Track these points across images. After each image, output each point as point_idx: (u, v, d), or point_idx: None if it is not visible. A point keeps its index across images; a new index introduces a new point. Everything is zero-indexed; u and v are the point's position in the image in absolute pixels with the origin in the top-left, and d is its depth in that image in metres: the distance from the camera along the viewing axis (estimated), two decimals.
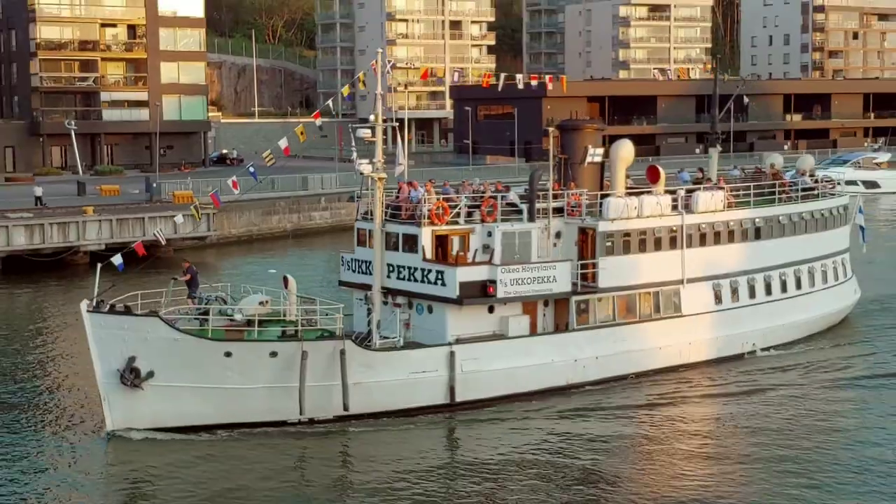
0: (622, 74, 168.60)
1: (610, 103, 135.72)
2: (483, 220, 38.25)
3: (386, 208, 38.43)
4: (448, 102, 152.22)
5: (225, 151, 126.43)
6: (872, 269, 63.10)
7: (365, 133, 37.21)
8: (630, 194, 42.11)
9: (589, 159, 42.00)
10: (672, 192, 43.12)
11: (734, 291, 44.05)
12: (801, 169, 50.77)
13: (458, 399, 36.63)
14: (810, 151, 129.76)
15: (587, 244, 40.05)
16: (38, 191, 77.57)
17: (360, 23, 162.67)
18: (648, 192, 42.64)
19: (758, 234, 45.21)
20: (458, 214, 38.20)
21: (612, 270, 39.73)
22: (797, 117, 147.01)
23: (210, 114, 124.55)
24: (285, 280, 36.91)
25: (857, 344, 47.21)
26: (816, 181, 50.01)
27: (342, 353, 34.03)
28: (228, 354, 33.73)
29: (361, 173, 37.52)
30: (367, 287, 37.94)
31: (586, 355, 39.30)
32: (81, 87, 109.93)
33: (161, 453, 32.68)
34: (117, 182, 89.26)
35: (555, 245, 40.06)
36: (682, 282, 42.03)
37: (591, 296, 39.60)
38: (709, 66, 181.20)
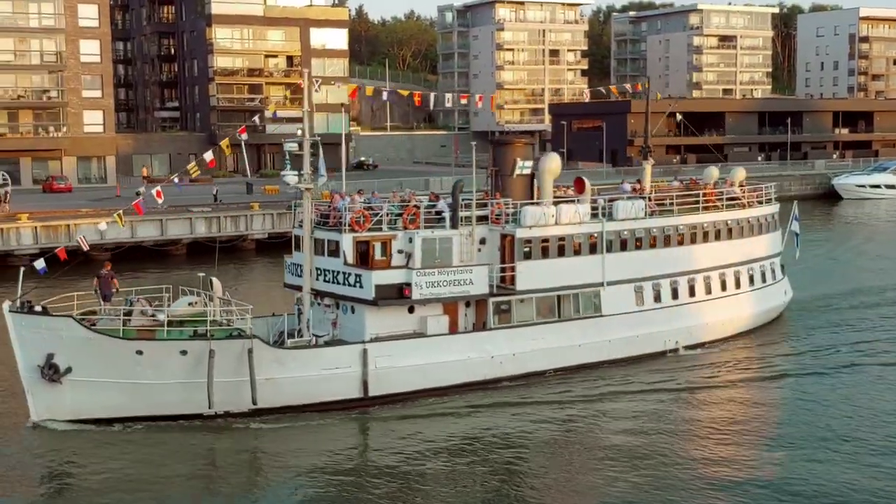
0: (695, 94, 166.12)
1: (685, 118, 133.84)
2: (405, 228, 34.99)
3: (322, 217, 35.67)
4: (547, 117, 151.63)
5: (363, 159, 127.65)
6: (820, 271, 58.97)
7: (292, 147, 33.77)
8: (557, 203, 38.50)
9: (518, 171, 38.62)
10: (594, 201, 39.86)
11: (657, 293, 39.98)
12: (729, 181, 46.88)
13: (372, 393, 33.42)
14: (855, 159, 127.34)
15: (508, 249, 36.94)
16: (215, 190, 79.38)
17: (475, 52, 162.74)
18: (570, 201, 39.05)
19: (681, 240, 41.09)
20: (380, 222, 34.88)
21: (529, 274, 36.45)
22: (844, 130, 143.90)
23: (351, 128, 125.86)
24: (210, 282, 34.07)
25: (781, 343, 42.78)
26: (744, 192, 45.79)
27: (250, 351, 31.12)
28: (140, 352, 31.00)
29: (288, 184, 34.29)
30: (301, 289, 35.52)
31: (503, 352, 35.74)
32: (249, 106, 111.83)
33: (81, 442, 30.17)
34: (277, 183, 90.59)
35: (479, 250, 36.48)
36: (602, 284, 38.23)
37: (510, 297, 36.22)
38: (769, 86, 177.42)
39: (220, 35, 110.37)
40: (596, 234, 38.42)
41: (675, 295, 40.56)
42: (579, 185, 40.66)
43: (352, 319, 34.74)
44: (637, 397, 34.99)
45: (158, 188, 34.97)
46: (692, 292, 41.23)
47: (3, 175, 76.64)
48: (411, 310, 34.72)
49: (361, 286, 33.77)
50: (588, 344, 37.69)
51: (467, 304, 35.92)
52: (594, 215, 38.88)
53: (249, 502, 26.41)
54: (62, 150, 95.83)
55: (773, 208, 47.26)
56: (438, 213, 36.28)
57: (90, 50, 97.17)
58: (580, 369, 37.30)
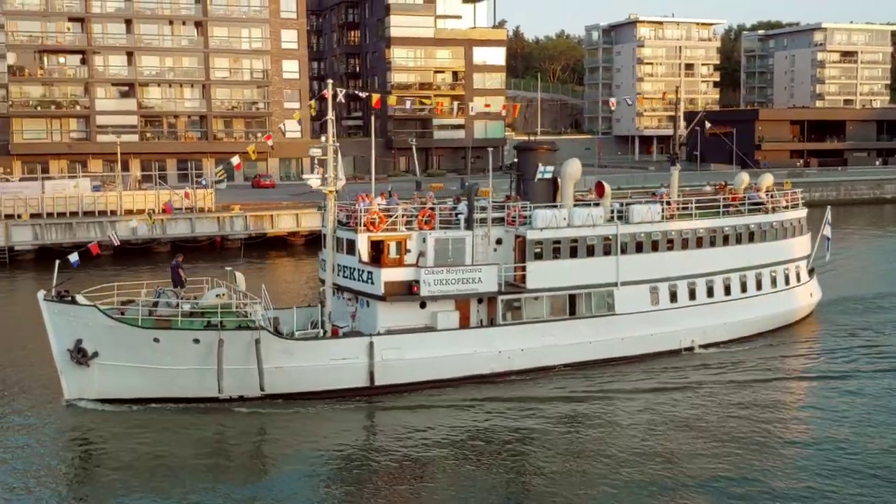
0: (818, 104, 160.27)
1: (808, 125, 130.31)
2: (420, 228, 33.08)
3: (348, 217, 34.03)
4: (682, 123, 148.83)
5: (516, 160, 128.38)
6: (862, 275, 53.78)
7: (316, 152, 32.36)
8: (577, 206, 36.07)
9: (539, 176, 36.17)
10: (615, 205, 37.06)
11: (673, 293, 36.84)
12: (757, 185, 43.14)
13: (378, 383, 31.58)
14: None
15: (519, 250, 34.59)
16: (389, 187, 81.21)
17: (617, 66, 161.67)
18: (587, 205, 36.65)
19: (699, 243, 37.85)
20: (395, 222, 32.99)
21: (540, 273, 34.03)
22: None
23: (506, 133, 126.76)
24: (234, 276, 32.66)
25: (799, 344, 38.91)
26: (772, 197, 42.10)
27: (257, 341, 29.84)
28: (157, 340, 29.98)
29: (311, 187, 32.96)
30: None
31: (511, 347, 33.39)
32: (420, 115, 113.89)
33: (108, 420, 29.34)
34: (442, 181, 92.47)
35: (495, 250, 34.35)
36: (616, 284, 35.48)
37: (519, 295, 33.76)
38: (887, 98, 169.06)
39: (397, 54, 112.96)
40: (611, 237, 35.72)
41: (692, 296, 37.59)
42: (599, 189, 38.04)
43: (367, 313, 33.16)
44: (647, 395, 32.05)
45: (186, 189, 33.32)
46: (710, 293, 38.19)
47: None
48: (423, 305, 32.82)
49: (373, 282, 32.25)
50: (600, 341, 35.17)
51: (480, 301, 33.80)
52: (610, 218, 36.46)
53: (254, 479, 25.36)
54: (267, 153, 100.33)
55: (801, 213, 43.58)
56: (458, 214, 34.41)
57: (291, 68, 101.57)
58: (592, 365, 34.75)
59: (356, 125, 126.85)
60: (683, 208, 38.94)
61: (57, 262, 31.25)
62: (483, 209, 34.28)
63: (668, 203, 38.71)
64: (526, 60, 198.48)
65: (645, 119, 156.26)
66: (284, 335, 32.02)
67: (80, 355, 30.11)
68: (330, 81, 35.25)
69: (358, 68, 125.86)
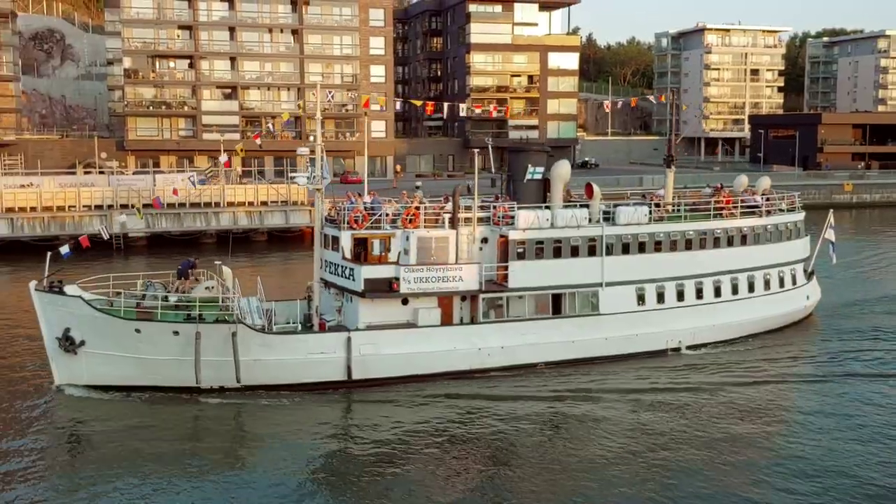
0: (880, 108, 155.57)
1: (870, 129, 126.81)
2: (405, 227, 32.17)
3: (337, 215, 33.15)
4: (746, 126, 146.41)
5: (587, 159, 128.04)
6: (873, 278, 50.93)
7: (304, 152, 31.28)
8: (566, 207, 34.47)
9: (528, 177, 34.75)
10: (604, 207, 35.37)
11: (660, 295, 35.02)
12: (753, 189, 40.99)
13: (355, 377, 30.79)
14: None
15: (501, 249, 33.32)
16: (469, 183, 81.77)
17: (686, 70, 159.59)
18: (575, 206, 35.03)
19: (688, 245, 35.86)
20: (378, 220, 32.10)
21: (522, 273, 32.70)
22: None
23: (578, 133, 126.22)
24: (220, 270, 32.14)
25: (789, 346, 36.74)
26: (769, 199, 39.86)
27: (234, 334, 29.23)
28: (138, 331, 29.52)
29: (298, 185, 31.88)
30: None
31: (491, 345, 32.16)
32: (496, 117, 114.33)
33: (95, 405, 29.22)
34: None
35: (481, 249, 33.11)
36: (601, 284, 33.96)
37: (501, 294, 32.52)
38: None
39: (477, 59, 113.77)
40: (595, 238, 34.19)
41: (680, 297, 35.71)
42: (588, 190, 36.26)
43: (350, 308, 32.38)
44: (626, 394, 30.49)
45: (174, 187, 32.86)
46: (699, 295, 36.26)
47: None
48: (405, 302, 31.84)
49: (354, 279, 31.46)
50: (583, 340, 33.74)
51: (463, 300, 32.72)
52: (598, 220, 35.03)
53: (223, 466, 24.81)
54: (355, 151, 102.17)
55: (798, 216, 41.38)
56: (446, 214, 33.31)
57: (378, 73, 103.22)
58: (574, 364, 33.35)
59: (437, 126, 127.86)
60: (674, 211, 37.42)
61: (48, 253, 30.83)
62: (468, 209, 33.34)
63: (658, 205, 37.15)
64: (598, 65, 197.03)
65: (711, 122, 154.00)
66: (267, 329, 31.09)
67: (69, 343, 30.00)
68: (318, 83, 34.65)
69: (440, 72, 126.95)
